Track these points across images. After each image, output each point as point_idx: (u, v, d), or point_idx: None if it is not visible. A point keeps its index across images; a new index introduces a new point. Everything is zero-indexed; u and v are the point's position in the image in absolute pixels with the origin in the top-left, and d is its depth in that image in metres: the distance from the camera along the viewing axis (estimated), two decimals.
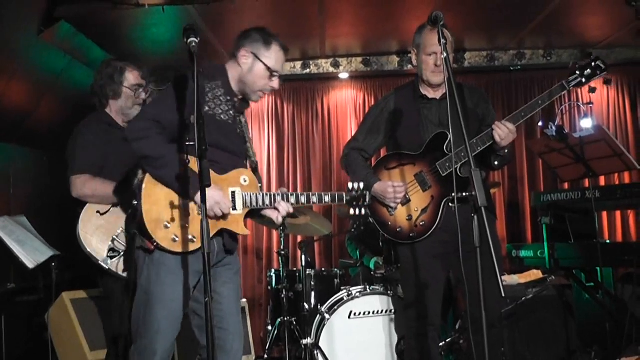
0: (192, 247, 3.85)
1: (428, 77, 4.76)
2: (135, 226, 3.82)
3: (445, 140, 4.62)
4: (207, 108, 3.96)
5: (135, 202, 3.75)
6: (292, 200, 4.18)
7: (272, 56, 4.18)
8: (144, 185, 3.77)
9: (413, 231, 4.69)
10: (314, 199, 4.23)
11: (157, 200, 3.80)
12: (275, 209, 4.14)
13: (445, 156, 4.61)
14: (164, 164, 3.75)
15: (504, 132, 4.42)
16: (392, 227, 4.77)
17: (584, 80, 4.60)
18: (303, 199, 4.21)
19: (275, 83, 4.25)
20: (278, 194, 4.15)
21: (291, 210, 4.19)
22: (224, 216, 3.94)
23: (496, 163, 4.74)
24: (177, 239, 3.82)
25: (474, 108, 4.89)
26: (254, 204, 4.10)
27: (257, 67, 4.15)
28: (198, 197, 3.67)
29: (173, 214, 3.84)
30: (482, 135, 4.54)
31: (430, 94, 4.86)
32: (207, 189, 3.61)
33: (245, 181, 4.10)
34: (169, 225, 3.81)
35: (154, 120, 3.79)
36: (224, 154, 4.05)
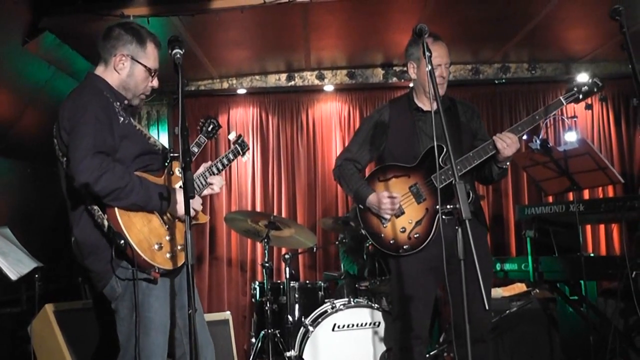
0: (183, 256, 3.85)
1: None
2: (130, 263, 3.71)
3: (440, 153, 4.61)
4: (122, 119, 3.86)
5: (122, 241, 3.60)
6: (215, 170, 4.33)
7: (150, 55, 4.08)
8: (120, 221, 3.65)
9: (407, 243, 4.67)
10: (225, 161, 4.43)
11: (139, 229, 3.73)
12: (209, 184, 4.26)
13: (441, 169, 4.60)
14: (132, 188, 3.66)
15: (506, 141, 4.46)
16: (385, 239, 4.74)
17: (580, 96, 4.63)
18: (215, 169, 4.35)
19: (155, 82, 4.17)
20: (205, 174, 4.28)
21: (223, 181, 4.32)
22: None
23: (495, 175, 4.79)
24: (170, 254, 3.82)
25: (467, 122, 4.91)
26: (201, 187, 4.21)
27: (137, 70, 4.04)
28: (176, 207, 3.84)
29: (157, 233, 3.82)
30: (479, 148, 4.58)
31: (425, 106, 4.86)
32: (174, 195, 3.80)
33: (180, 172, 3.95)
34: (161, 246, 3.79)
35: (99, 151, 3.59)
36: (153, 156, 4.01)
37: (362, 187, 4.86)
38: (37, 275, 5.70)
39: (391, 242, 4.72)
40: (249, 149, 4.68)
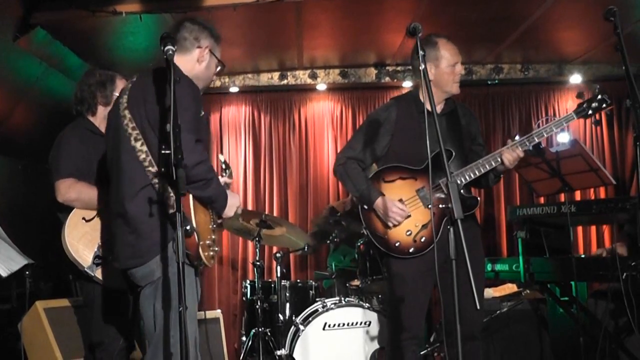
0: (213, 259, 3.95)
1: (450, 89, 4.79)
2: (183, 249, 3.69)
3: (449, 157, 4.58)
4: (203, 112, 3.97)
5: (189, 227, 3.57)
6: None
7: (219, 49, 4.27)
8: (192, 206, 3.67)
9: (412, 246, 4.66)
10: None
11: (199, 221, 3.76)
12: None
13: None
14: (213, 182, 3.77)
15: (513, 157, 4.57)
16: (390, 241, 4.73)
17: (590, 112, 4.73)
18: None
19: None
20: None
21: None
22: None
23: (491, 182, 4.91)
24: (212, 253, 3.88)
25: (467, 126, 4.92)
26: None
27: (212, 63, 4.21)
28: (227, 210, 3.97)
29: (207, 229, 3.87)
30: (488, 157, 4.65)
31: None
32: (230, 196, 3.89)
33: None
34: (209, 243, 3.84)
35: (199, 140, 3.70)
36: None
37: (369, 189, 4.79)
38: (27, 272, 5.68)
39: (397, 244, 4.71)
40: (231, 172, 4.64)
